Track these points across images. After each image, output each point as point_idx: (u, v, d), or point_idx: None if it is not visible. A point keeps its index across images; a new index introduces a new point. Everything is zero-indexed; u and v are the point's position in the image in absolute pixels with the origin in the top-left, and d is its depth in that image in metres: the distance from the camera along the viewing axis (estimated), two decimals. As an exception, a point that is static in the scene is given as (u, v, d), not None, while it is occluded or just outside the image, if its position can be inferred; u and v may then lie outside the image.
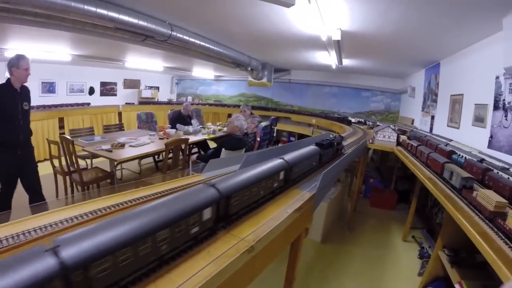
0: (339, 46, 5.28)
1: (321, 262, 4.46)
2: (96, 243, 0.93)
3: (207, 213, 1.36)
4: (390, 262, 4.66)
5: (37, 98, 8.46)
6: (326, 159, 3.28)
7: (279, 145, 7.06)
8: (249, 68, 8.45)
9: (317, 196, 2.28)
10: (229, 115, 11.51)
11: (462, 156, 3.61)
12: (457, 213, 2.33)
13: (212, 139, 7.04)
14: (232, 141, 5.13)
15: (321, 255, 4.67)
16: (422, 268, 4.37)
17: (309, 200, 2.14)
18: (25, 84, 3.96)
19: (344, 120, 8.90)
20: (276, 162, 2.11)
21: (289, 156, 2.30)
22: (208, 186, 1.47)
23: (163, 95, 13.19)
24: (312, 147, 2.94)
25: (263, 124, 6.55)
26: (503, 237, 1.89)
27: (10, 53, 6.26)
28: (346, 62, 7.43)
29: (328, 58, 6.96)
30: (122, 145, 5.14)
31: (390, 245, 5.23)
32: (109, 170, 5.16)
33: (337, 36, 4.50)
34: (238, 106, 10.60)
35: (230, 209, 1.53)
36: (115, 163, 4.63)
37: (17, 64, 3.68)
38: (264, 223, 1.63)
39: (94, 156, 5.23)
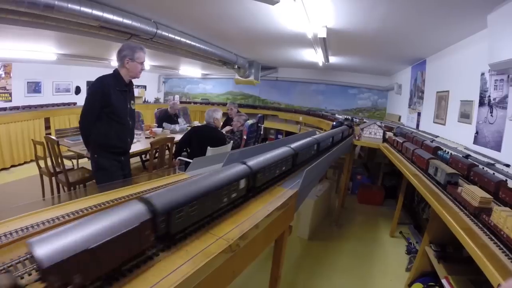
0: (325, 44, 5.29)
1: (309, 259, 4.47)
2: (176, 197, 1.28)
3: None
4: (378, 257, 4.69)
5: (22, 98, 8.37)
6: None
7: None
8: (236, 66, 8.44)
9: (300, 193, 2.28)
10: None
11: (448, 152, 3.64)
12: (442, 209, 2.35)
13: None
14: (201, 128, 5.21)
15: (309, 252, 4.67)
16: (410, 263, 4.40)
17: (292, 198, 2.13)
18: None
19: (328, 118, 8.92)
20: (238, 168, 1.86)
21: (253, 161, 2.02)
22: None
23: (150, 94, 13.13)
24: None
25: (250, 122, 6.54)
26: (488, 233, 1.91)
27: (-7, 53, 6.19)
28: (332, 59, 7.45)
29: (314, 56, 6.97)
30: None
31: (378, 241, 5.26)
32: (95, 170, 5.11)
33: (322, 34, 4.51)
34: (225, 104, 10.58)
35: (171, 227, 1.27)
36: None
37: (132, 55, 3.19)
38: (244, 221, 1.63)
39: (80, 156, 5.18)
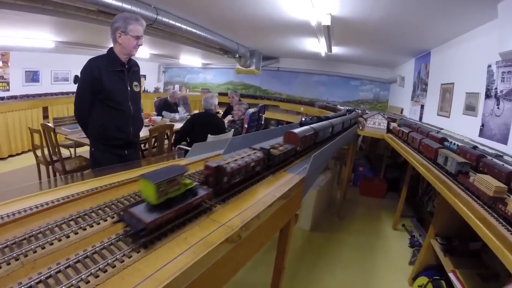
0: (329, 32, 5.18)
1: (311, 251, 4.41)
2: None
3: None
4: (381, 250, 4.63)
5: (20, 87, 8.25)
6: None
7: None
8: (237, 55, 8.34)
9: (307, 180, 2.17)
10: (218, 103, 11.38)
11: (454, 144, 3.55)
12: (455, 198, 2.24)
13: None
14: (203, 115, 5.05)
15: (311, 244, 4.61)
16: (413, 256, 4.34)
17: (299, 184, 2.03)
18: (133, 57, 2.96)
19: (329, 109, 8.85)
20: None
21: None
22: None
23: (150, 84, 12.99)
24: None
25: (251, 110, 6.45)
26: (504, 223, 1.81)
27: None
28: (335, 49, 7.35)
29: (317, 45, 6.88)
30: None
31: (380, 233, 5.21)
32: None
33: (326, 21, 4.40)
34: (226, 94, 10.51)
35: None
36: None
37: (125, 27, 2.66)
38: (249, 207, 1.51)
39: (78, 145, 5.08)
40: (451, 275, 2.92)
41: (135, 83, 2.99)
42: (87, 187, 1.61)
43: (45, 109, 8.33)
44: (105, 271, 0.95)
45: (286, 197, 1.80)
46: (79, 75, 2.82)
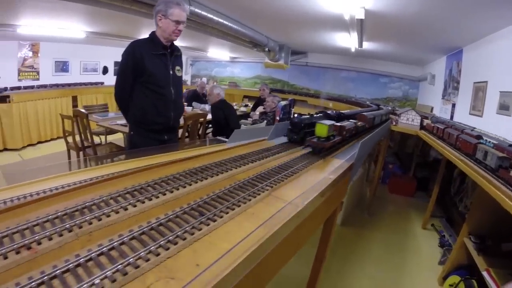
0: (361, 27, 5.09)
1: (342, 245, 4.37)
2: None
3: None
4: (411, 249, 4.58)
5: (50, 77, 8.43)
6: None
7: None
8: (267, 49, 8.27)
9: (354, 167, 2.12)
10: (245, 97, 11.38)
11: (490, 142, 3.45)
12: (496, 190, 2.18)
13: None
14: (232, 109, 5.23)
15: (342, 238, 4.57)
16: (443, 256, 4.26)
17: (347, 171, 1.98)
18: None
19: (363, 105, 8.70)
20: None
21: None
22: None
23: (178, 76, 12.93)
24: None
25: (283, 103, 6.41)
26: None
27: (22, 30, 6.13)
28: (366, 45, 7.22)
29: (348, 40, 6.77)
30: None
31: (409, 232, 5.14)
32: (123, 146, 5.03)
33: (360, 15, 4.32)
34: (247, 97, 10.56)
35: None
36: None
37: (165, 11, 2.65)
38: (309, 188, 1.47)
39: (109, 132, 5.10)
40: (484, 274, 2.87)
41: (178, 67, 2.96)
42: (133, 165, 1.59)
43: (74, 98, 8.50)
44: (176, 243, 0.91)
45: (337, 181, 1.76)
46: (121, 56, 2.79)
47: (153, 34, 2.80)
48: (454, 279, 3.47)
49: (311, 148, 2.17)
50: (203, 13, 4.89)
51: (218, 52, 11.92)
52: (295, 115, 2.70)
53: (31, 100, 7.37)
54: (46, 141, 7.82)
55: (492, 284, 2.73)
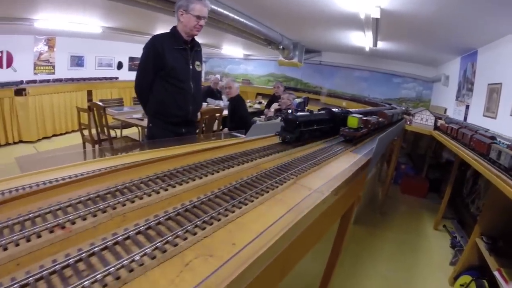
0: (377, 26, 5.08)
1: (354, 243, 4.37)
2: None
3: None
4: (422, 249, 4.58)
5: (65, 71, 8.53)
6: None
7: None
8: (281, 47, 8.26)
9: (372, 162, 2.14)
10: (258, 94, 11.39)
11: (503, 142, 3.44)
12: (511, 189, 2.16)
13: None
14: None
15: (354, 236, 4.57)
16: (455, 257, 4.25)
17: (365, 165, 2.00)
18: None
19: (377, 105, 8.68)
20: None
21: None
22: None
23: (191, 73, 12.99)
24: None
25: (298, 100, 6.43)
26: None
27: (39, 24, 6.22)
28: (380, 44, 7.19)
29: (363, 39, 6.75)
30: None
31: (421, 232, 5.13)
32: (138, 140, 5.08)
33: (376, 14, 4.31)
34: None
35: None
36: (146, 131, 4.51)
37: (187, 6, 2.68)
38: (331, 178, 1.51)
39: (124, 126, 5.15)
40: (496, 273, 2.87)
41: (197, 62, 3.01)
42: (158, 154, 1.62)
43: (89, 93, 8.62)
44: (211, 224, 0.94)
45: (356, 174, 1.79)
46: (142, 49, 2.83)
47: (174, 29, 2.84)
48: (465, 279, 3.47)
49: (343, 137, 2.45)
50: (219, 9, 4.92)
51: (232, 49, 11.92)
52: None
53: (46, 93, 7.50)
54: (61, 134, 7.95)
55: (503, 284, 2.74)
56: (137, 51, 9.26)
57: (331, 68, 11.19)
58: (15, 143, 7.00)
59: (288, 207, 1.11)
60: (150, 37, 2.88)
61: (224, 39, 9.69)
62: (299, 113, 2.18)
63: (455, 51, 6.65)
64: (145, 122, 4.57)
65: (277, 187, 1.27)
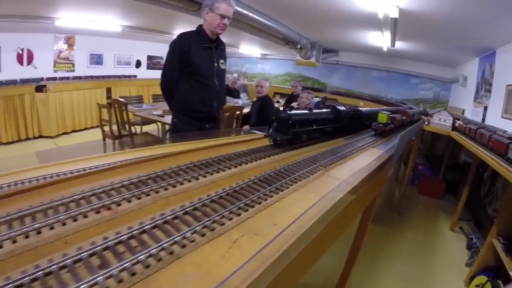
0: (395, 26, 5.08)
1: (371, 241, 4.35)
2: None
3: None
4: (438, 249, 4.58)
5: (85, 69, 8.70)
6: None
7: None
8: (299, 46, 8.27)
9: (393, 157, 2.18)
10: (275, 93, 11.41)
11: None
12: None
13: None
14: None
15: (371, 235, 4.54)
16: (471, 258, 4.25)
17: (387, 161, 2.04)
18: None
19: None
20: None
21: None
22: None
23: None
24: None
25: (316, 99, 6.46)
26: None
27: (60, 23, 6.34)
28: (398, 44, 7.15)
29: (380, 39, 6.72)
30: (174, 112, 5.11)
31: (437, 233, 5.12)
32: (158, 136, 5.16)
33: (394, 14, 4.31)
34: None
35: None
36: (167, 127, 4.58)
37: (212, 5, 2.75)
38: (357, 170, 1.57)
39: (144, 123, 5.24)
40: None
41: (222, 60, 3.05)
42: (189, 146, 1.67)
43: (108, 90, 8.76)
44: (253, 207, 1.00)
45: (380, 168, 1.84)
46: (169, 46, 2.90)
47: (200, 27, 2.89)
48: (480, 279, 3.47)
49: (374, 131, 2.87)
50: (239, 9, 4.94)
51: (250, 49, 11.94)
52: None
53: (66, 90, 7.67)
54: (80, 130, 8.10)
55: (519, 284, 2.73)
56: (156, 50, 9.30)
57: (349, 68, 11.14)
58: (35, 138, 7.17)
59: (320, 195, 1.17)
60: (169, 36, 2.99)
61: (242, 38, 9.71)
62: (293, 111, 1.93)
63: (473, 51, 6.59)
64: (165, 119, 4.67)
65: (308, 176, 1.33)
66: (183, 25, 7.58)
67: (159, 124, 5.32)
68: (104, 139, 5.30)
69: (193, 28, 2.97)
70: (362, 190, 1.51)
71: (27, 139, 7.04)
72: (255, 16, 5.40)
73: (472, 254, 4.30)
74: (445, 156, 7.08)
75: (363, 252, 3.97)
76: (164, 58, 3.01)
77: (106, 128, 5.05)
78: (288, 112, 1.85)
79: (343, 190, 1.25)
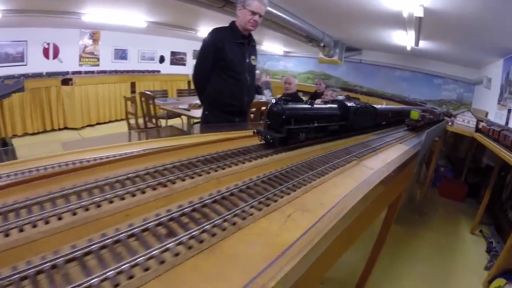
0: (419, 25, 5.07)
1: (392, 241, 4.38)
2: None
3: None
4: (458, 252, 4.58)
5: (109, 63, 8.91)
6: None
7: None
8: (322, 44, 8.27)
9: (420, 153, 2.22)
10: (298, 91, 11.43)
11: None
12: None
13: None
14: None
15: (392, 234, 4.57)
16: (490, 262, 4.24)
17: (414, 156, 2.09)
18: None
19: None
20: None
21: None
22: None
23: (231, 70, 13.11)
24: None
25: (341, 97, 6.49)
26: None
27: (87, 18, 6.50)
28: (422, 44, 7.09)
29: (404, 38, 6.68)
30: (200, 106, 5.16)
31: (458, 235, 5.11)
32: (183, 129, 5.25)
33: (419, 13, 4.31)
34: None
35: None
36: (194, 121, 4.65)
37: (244, 1, 2.78)
38: (388, 162, 1.65)
39: (169, 116, 5.33)
40: None
41: (253, 56, 3.11)
42: (226, 136, 1.78)
43: (132, 84, 8.96)
44: (299, 187, 1.10)
45: (408, 162, 1.90)
46: (202, 41, 2.97)
47: (232, 24, 2.96)
48: (499, 282, 3.48)
49: (407, 126, 3.19)
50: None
51: (272, 46, 11.99)
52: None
53: (91, 83, 7.91)
54: (105, 122, 8.31)
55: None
56: (179, 45, 9.36)
57: (372, 67, 11.04)
58: (60, 129, 7.42)
59: (358, 180, 1.25)
60: (193, 32, 3.07)
61: (264, 35, 9.74)
62: (289, 105, 1.64)
63: (497, 52, 6.50)
64: (191, 113, 4.76)
65: (345, 165, 1.42)
66: (207, 22, 7.67)
67: (184, 118, 5.40)
68: (129, 133, 5.40)
69: (217, 25, 3.04)
70: (391, 183, 1.57)
71: (53, 130, 7.28)
72: (279, 13, 5.44)
73: (492, 258, 4.29)
74: (467, 158, 7.02)
75: (384, 251, 4.02)
76: (188, 54, 3.10)
77: (131, 121, 5.14)
78: (282, 105, 1.57)
79: (378, 176, 1.34)
